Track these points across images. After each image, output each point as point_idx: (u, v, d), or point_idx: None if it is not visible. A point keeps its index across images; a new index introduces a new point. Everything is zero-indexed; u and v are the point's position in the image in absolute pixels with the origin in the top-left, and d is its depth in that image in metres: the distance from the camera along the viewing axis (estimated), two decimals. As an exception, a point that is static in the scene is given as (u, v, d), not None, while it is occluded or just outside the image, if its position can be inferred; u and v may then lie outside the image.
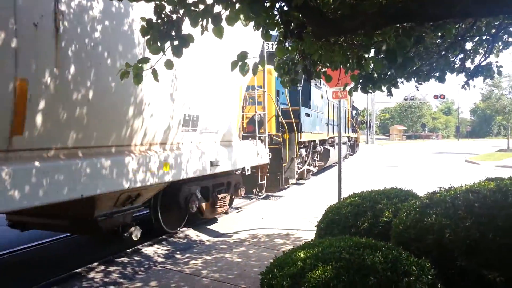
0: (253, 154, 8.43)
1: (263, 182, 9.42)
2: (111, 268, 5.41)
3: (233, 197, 8.42)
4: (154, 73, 2.82)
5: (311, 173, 13.83)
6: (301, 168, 12.57)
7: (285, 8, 2.81)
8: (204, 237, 7.12)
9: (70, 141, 4.32)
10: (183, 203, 6.62)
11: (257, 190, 9.63)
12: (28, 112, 3.78)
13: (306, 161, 13.07)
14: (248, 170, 8.23)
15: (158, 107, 5.41)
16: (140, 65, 2.85)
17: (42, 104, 3.90)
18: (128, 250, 6.04)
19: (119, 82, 4.23)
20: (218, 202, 7.51)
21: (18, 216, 5.45)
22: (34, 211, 4.43)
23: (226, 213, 8.25)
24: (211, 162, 6.70)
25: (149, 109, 5.23)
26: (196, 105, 6.27)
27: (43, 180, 3.89)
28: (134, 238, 5.64)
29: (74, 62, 4.12)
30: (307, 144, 12.83)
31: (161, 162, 5.47)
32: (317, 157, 14.37)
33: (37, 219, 5.43)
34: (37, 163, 3.87)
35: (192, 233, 7.26)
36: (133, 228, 5.61)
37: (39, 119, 3.90)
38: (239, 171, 8.13)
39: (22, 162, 3.79)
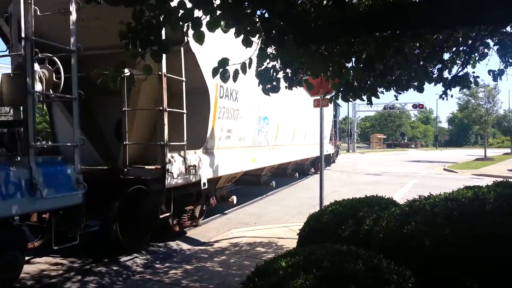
0: (331, 148, 20.23)
1: (332, 160, 22.39)
2: (88, 278, 5.27)
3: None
4: (131, 78, 2.77)
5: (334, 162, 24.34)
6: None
7: (266, 15, 2.81)
8: (184, 246, 7.02)
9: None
10: (316, 164, 16.92)
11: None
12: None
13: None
14: (330, 154, 20.12)
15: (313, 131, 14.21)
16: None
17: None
18: (106, 260, 5.91)
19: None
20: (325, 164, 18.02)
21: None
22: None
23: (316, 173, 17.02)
24: (327, 150, 16.49)
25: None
26: (327, 130, 18.26)
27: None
28: (273, 184, 11.68)
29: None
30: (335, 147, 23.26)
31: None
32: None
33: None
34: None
35: (172, 242, 7.15)
36: (273, 182, 11.70)
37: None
38: (327, 155, 18.75)
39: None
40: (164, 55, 6.05)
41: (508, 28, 4.54)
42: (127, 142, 6.05)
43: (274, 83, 3.56)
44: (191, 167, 6.48)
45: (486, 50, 5.03)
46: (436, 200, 3.73)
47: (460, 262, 3.12)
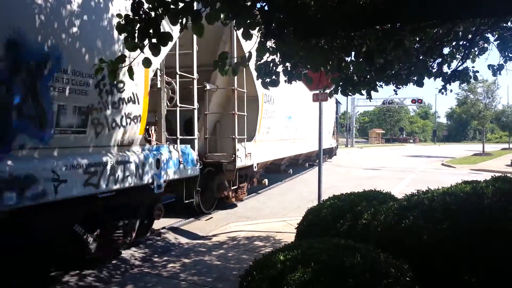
0: (334, 142, 21.35)
1: (333, 153, 22.49)
2: (86, 272, 5.27)
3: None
4: (130, 71, 2.75)
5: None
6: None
7: (266, 8, 2.79)
8: (182, 239, 7.03)
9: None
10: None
11: (327, 157, 21.01)
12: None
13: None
14: (333, 147, 21.25)
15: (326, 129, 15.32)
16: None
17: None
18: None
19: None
20: (328, 156, 20.80)
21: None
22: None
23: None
24: (330, 144, 19.79)
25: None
26: (329, 125, 18.95)
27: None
28: (290, 172, 13.72)
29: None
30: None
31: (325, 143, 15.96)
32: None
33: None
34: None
35: (170, 236, 7.16)
36: (290, 170, 13.76)
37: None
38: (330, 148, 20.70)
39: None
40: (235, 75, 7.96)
41: (509, 23, 4.52)
42: (207, 136, 8.31)
43: (274, 76, 3.54)
44: (249, 154, 9.05)
45: (486, 45, 5.01)
46: (434, 195, 3.73)
47: (458, 257, 3.13)
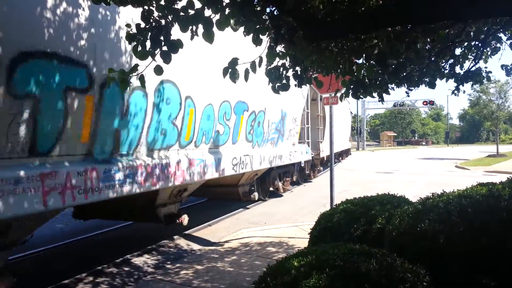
0: (349, 144, 32.55)
1: (349, 152, 32.29)
2: (99, 279, 5.30)
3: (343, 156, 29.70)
4: (141, 79, 2.76)
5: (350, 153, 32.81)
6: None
7: (276, 13, 2.78)
8: (195, 246, 7.03)
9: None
10: (342, 155, 28.02)
11: (345, 156, 29.19)
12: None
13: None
14: (349, 148, 31.53)
15: (343, 133, 25.16)
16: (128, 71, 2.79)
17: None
18: (117, 261, 5.93)
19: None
20: (346, 155, 30.35)
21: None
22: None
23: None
24: (348, 145, 30.29)
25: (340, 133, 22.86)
26: (347, 130, 28.81)
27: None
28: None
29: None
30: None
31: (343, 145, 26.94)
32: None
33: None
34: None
35: (182, 242, 7.16)
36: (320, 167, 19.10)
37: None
38: (348, 149, 30.70)
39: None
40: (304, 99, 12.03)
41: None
42: (310, 140, 13.71)
43: (284, 81, 3.53)
44: (322, 150, 15.62)
45: (498, 45, 4.93)
46: (449, 198, 3.67)
47: (476, 260, 3.07)
